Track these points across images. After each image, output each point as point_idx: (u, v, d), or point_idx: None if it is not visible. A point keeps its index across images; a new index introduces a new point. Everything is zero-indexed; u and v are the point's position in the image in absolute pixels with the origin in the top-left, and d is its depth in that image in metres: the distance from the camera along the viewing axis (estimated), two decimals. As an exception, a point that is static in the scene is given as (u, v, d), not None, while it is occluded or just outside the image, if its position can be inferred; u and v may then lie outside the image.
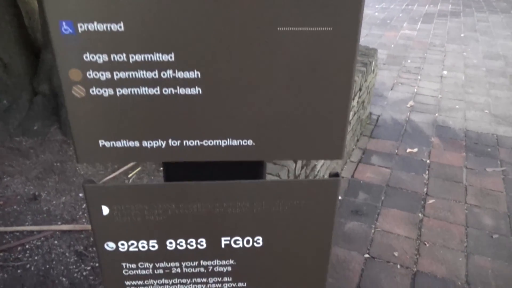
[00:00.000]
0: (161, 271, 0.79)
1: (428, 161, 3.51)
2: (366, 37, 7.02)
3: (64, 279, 1.41)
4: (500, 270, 2.41)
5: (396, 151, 3.65)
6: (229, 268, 0.80)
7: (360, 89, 3.49)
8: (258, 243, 0.78)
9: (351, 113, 3.34)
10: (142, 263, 0.78)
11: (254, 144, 0.67)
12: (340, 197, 3.04)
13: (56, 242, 1.57)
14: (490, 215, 2.88)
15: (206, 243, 0.77)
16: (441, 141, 3.82)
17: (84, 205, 1.78)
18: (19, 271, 1.44)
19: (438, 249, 2.57)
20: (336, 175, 0.72)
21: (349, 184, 3.20)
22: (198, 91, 0.63)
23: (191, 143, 0.67)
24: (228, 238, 0.77)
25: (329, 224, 0.76)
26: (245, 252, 0.78)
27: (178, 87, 0.62)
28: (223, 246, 0.77)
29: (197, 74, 0.61)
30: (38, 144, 2.20)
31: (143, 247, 0.76)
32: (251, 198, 0.72)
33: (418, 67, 5.70)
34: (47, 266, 1.46)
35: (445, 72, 5.51)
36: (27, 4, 2.89)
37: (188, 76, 0.61)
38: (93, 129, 0.64)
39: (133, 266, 0.78)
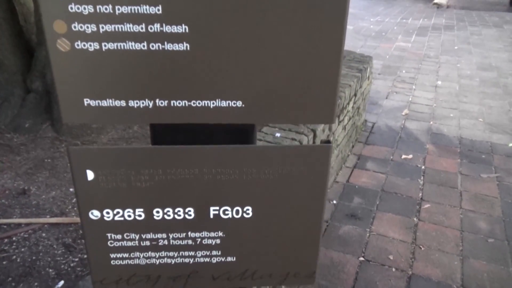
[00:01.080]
0: (147, 243, 0.76)
1: (423, 167, 3.51)
2: (362, 48, 7.09)
3: (50, 270, 1.37)
4: (495, 274, 2.38)
5: (391, 157, 3.65)
6: (218, 241, 0.77)
7: (355, 95, 3.49)
8: (248, 214, 0.75)
9: (346, 118, 3.34)
10: (128, 234, 0.75)
11: (243, 105, 0.66)
12: (335, 201, 3.02)
13: (44, 234, 1.54)
14: (485, 219, 2.86)
15: (194, 213, 0.74)
16: (436, 148, 3.83)
17: (74, 200, 1.75)
18: (4, 262, 1.40)
19: (433, 253, 2.54)
20: (328, 141, 0.71)
21: (344, 189, 3.18)
22: (186, 47, 0.61)
23: (179, 103, 0.65)
24: (217, 208, 0.74)
25: (320, 193, 0.74)
26: (235, 223, 0.76)
27: (165, 43, 0.61)
28: (211, 216, 0.75)
29: (185, 29, 0.60)
30: (30, 140, 2.17)
31: (129, 216, 0.74)
32: (240, 164, 0.71)
33: (413, 77, 5.74)
34: (34, 258, 1.42)
35: (439, 82, 5.55)
36: (23, 6, 2.89)
37: (176, 30, 0.60)
38: (78, 86, 0.63)
39: (119, 237, 0.75)
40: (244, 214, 0.75)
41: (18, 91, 2.34)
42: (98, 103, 0.64)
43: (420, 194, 3.13)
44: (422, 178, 3.34)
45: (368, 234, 2.69)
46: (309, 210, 0.76)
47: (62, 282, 1.33)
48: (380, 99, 4.90)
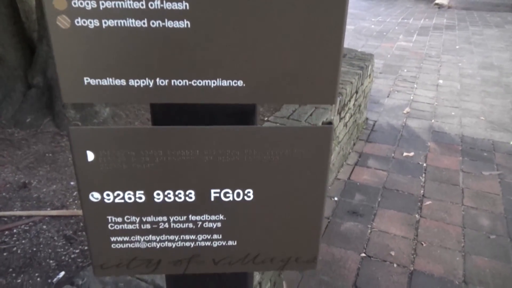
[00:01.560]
0: (148, 226, 0.76)
1: (424, 164, 3.50)
2: (363, 48, 7.08)
3: (51, 261, 1.37)
4: (497, 270, 2.37)
5: (393, 154, 3.64)
6: (219, 224, 0.77)
7: (356, 92, 3.49)
8: (249, 197, 0.75)
9: (348, 115, 3.34)
10: (129, 217, 0.75)
11: (244, 85, 0.65)
12: (336, 198, 3.02)
13: (44, 227, 1.54)
14: (487, 216, 2.85)
15: (195, 195, 0.74)
16: (437, 146, 3.82)
17: (75, 193, 1.75)
18: (5, 254, 1.40)
19: (435, 249, 2.54)
20: (329, 123, 0.70)
21: (345, 186, 3.18)
22: (187, 24, 0.61)
23: (180, 83, 0.64)
24: (218, 191, 0.74)
25: (322, 176, 0.73)
26: (236, 206, 0.75)
27: (166, 20, 0.60)
28: (212, 199, 0.74)
29: (186, 6, 0.60)
30: (31, 135, 2.17)
31: (130, 198, 0.73)
32: (241, 146, 0.70)
33: (414, 76, 5.73)
34: (34, 250, 1.42)
35: (440, 81, 5.54)
36: (24, 4, 2.89)
37: (176, 7, 0.60)
38: (78, 65, 0.62)
39: (119, 220, 0.75)
40: (245, 197, 0.75)
41: (20, 87, 2.35)
42: (98, 82, 0.64)
43: (422, 191, 3.12)
44: (423, 175, 3.33)
45: (369, 231, 2.68)
46: (311, 194, 0.75)
47: (62, 273, 1.32)
48: (382, 98, 4.90)
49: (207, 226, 0.77)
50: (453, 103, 4.81)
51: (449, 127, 4.19)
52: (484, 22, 10.17)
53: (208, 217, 0.76)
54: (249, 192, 0.74)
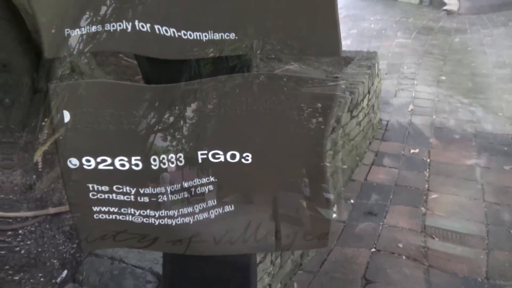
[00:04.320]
0: (131, 197, 0.70)
1: (428, 160, 3.43)
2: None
3: (55, 261, 1.33)
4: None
5: (402, 152, 3.59)
6: (211, 187, 0.70)
7: (368, 92, 3.45)
8: (247, 160, 0.69)
9: (361, 115, 3.29)
10: (111, 185, 0.69)
11: (237, 38, 0.61)
12: (352, 201, 2.93)
13: (47, 226, 1.51)
14: (509, 211, 2.75)
15: (184, 159, 0.68)
16: (445, 142, 3.74)
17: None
18: (2, 252, 1.37)
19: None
20: (336, 77, 0.65)
21: (362, 187, 3.09)
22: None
23: (166, 31, 0.60)
24: (205, 152, 0.68)
25: (323, 126, 0.67)
26: (229, 168, 0.69)
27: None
28: (200, 161, 0.68)
29: None
30: (37, 138, 2.17)
31: (111, 164, 0.67)
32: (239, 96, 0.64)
33: (414, 72, 5.61)
34: (39, 250, 1.39)
35: (443, 77, 5.44)
36: (33, 18, 2.93)
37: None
38: (57, 16, 0.59)
39: (102, 188, 0.69)
40: (243, 160, 0.69)
41: (27, 92, 2.36)
42: (77, 32, 0.60)
43: (426, 186, 3.03)
44: (427, 170, 3.26)
45: (381, 227, 2.59)
46: (311, 144, 0.68)
47: (65, 272, 1.28)
48: (391, 98, 4.83)
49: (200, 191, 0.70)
50: (464, 100, 4.72)
51: (460, 124, 4.13)
52: (492, 23, 10.00)
53: (199, 181, 0.70)
54: (248, 155, 0.68)
